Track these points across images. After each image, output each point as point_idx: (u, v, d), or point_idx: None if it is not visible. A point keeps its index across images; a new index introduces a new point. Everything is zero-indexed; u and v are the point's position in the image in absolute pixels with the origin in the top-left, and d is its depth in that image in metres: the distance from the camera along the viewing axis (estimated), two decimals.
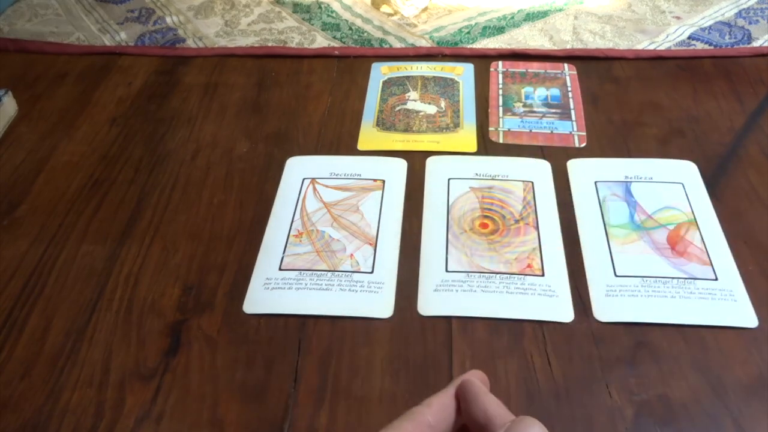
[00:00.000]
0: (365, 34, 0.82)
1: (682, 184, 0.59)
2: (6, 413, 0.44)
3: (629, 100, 0.70)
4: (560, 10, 0.85)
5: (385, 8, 0.87)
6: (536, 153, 0.64)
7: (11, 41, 0.81)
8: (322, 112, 0.69)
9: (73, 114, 0.70)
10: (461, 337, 0.48)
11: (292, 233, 0.56)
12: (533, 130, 0.66)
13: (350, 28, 0.83)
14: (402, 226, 0.56)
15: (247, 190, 0.60)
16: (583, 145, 0.65)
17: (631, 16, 0.84)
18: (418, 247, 0.54)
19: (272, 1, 0.89)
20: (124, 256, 0.55)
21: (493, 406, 0.28)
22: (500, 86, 0.73)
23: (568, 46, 0.78)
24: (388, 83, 0.73)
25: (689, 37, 0.79)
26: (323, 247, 0.55)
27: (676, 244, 0.54)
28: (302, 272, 0.52)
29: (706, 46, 0.78)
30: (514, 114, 0.69)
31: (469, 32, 0.82)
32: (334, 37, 0.81)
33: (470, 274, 0.52)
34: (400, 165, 0.62)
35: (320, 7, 0.88)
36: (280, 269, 0.53)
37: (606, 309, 0.49)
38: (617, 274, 0.52)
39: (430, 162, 0.63)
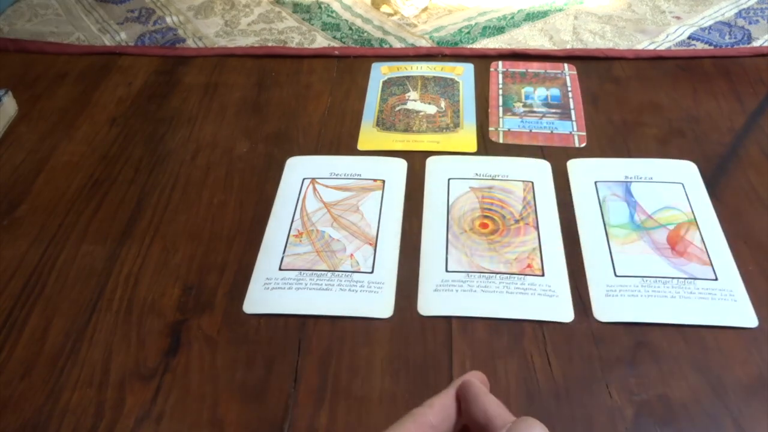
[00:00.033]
0: (365, 34, 0.82)
1: (682, 184, 0.59)
2: (6, 413, 0.44)
3: (629, 100, 0.70)
4: (560, 10, 0.85)
5: (385, 8, 0.87)
6: (536, 153, 0.64)
7: (11, 41, 0.81)
8: (322, 112, 0.69)
9: (73, 114, 0.70)
10: (461, 337, 0.48)
11: (292, 233, 0.56)
12: (533, 130, 0.67)
13: (350, 28, 0.83)
14: (402, 226, 0.56)
15: (247, 190, 0.60)
16: (583, 145, 0.65)
17: (631, 16, 0.84)
18: (418, 247, 0.54)
19: (272, 1, 0.89)
20: (124, 256, 0.55)
21: (493, 407, 0.29)
22: (500, 86, 0.73)
23: (568, 46, 0.78)
24: (388, 83, 0.73)
25: (689, 37, 0.79)
26: (323, 247, 0.55)
27: (676, 244, 0.54)
28: (302, 272, 0.52)
29: (706, 46, 0.78)
30: (514, 114, 0.69)
31: (469, 32, 0.82)
32: (334, 37, 0.81)
33: (470, 274, 0.52)
34: (400, 165, 0.62)
35: (320, 7, 0.88)
36: (280, 269, 0.53)
37: (606, 309, 0.49)
38: (617, 274, 0.52)
39: (430, 162, 0.63)
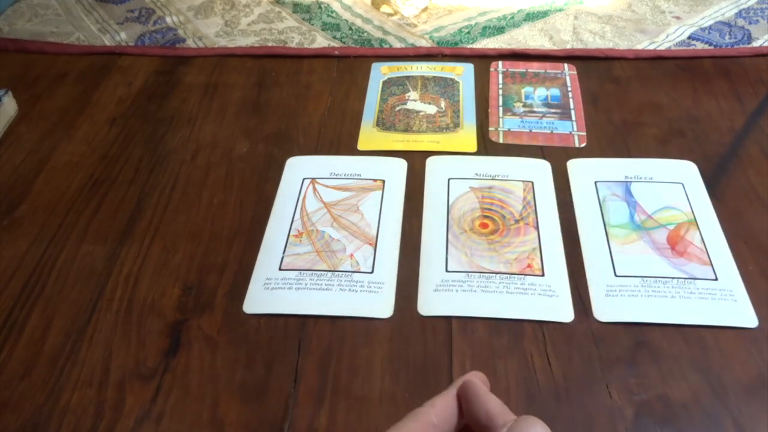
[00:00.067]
0: (365, 34, 0.82)
1: (682, 184, 0.59)
2: (6, 413, 0.44)
3: (629, 100, 0.70)
4: (560, 10, 0.85)
5: (385, 8, 0.87)
6: (536, 153, 0.64)
7: (11, 41, 0.81)
8: (322, 112, 0.69)
9: (73, 114, 0.70)
10: (461, 337, 0.48)
11: (292, 233, 0.56)
12: (533, 130, 0.67)
13: (350, 28, 0.83)
14: (402, 226, 0.56)
15: (247, 190, 0.60)
16: (583, 145, 0.65)
17: (631, 16, 0.84)
18: (418, 247, 0.54)
19: (272, 1, 0.89)
20: (124, 256, 0.55)
21: (494, 405, 0.29)
22: (500, 86, 0.73)
23: (568, 46, 0.78)
24: (388, 83, 0.73)
25: (689, 37, 0.79)
26: (323, 247, 0.55)
27: (676, 244, 0.54)
28: (302, 272, 0.52)
29: (706, 46, 0.78)
30: (514, 114, 0.69)
31: (469, 32, 0.82)
32: (334, 37, 0.81)
33: (470, 274, 0.52)
34: (400, 165, 0.62)
35: (320, 7, 0.88)
36: (280, 269, 0.53)
37: (606, 309, 0.49)
38: (617, 274, 0.52)
39: (430, 162, 0.63)
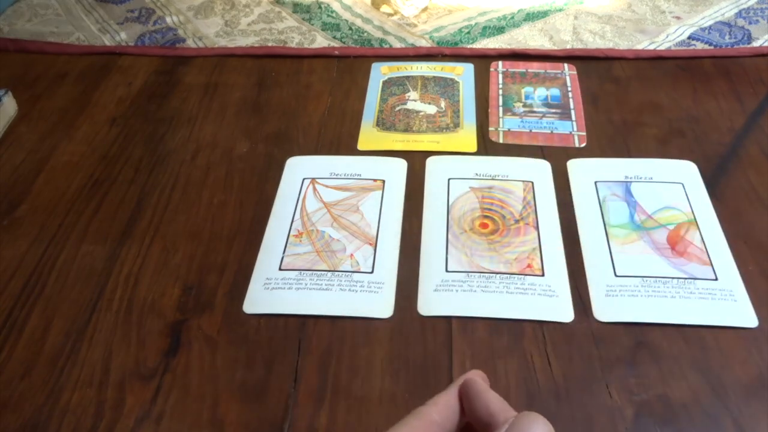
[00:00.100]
0: (365, 34, 0.82)
1: (682, 184, 0.59)
2: (6, 413, 0.44)
3: (629, 100, 0.70)
4: (560, 10, 0.85)
5: (385, 8, 0.87)
6: (536, 153, 0.64)
7: (11, 41, 0.81)
8: (322, 112, 0.69)
9: (73, 114, 0.70)
10: (461, 337, 0.48)
11: (292, 233, 0.56)
12: (533, 130, 0.67)
13: (350, 28, 0.83)
14: (402, 226, 0.56)
15: (247, 190, 0.60)
16: (583, 145, 0.65)
17: (631, 16, 0.84)
18: (418, 247, 0.54)
19: (272, 1, 0.89)
20: (124, 256, 0.55)
21: (495, 402, 0.29)
22: (500, 86, 0.73)
23: (568, 46, 0.78)
24: (388, 83, 0.73)
25: (689, 37, 0.79)
26: (323, 247, 0.55)
27: (676, 244, 0.54)
28: (302, 272, 0.52)
29: (706, 46, 0.78)
30: (514, 114, 0.69)
31: (469, 32, 0.82)
32: (334, 37, 0.81)
33: (470, 274, 0.52)
34: (400, 165, 0.62)
35: (320, 7, 0.88)
36: (280, 269, 0.53)
37: (606, 309, 0.49)
38: (617, 274, 0.52)
39: (430, 162, 0.63)
